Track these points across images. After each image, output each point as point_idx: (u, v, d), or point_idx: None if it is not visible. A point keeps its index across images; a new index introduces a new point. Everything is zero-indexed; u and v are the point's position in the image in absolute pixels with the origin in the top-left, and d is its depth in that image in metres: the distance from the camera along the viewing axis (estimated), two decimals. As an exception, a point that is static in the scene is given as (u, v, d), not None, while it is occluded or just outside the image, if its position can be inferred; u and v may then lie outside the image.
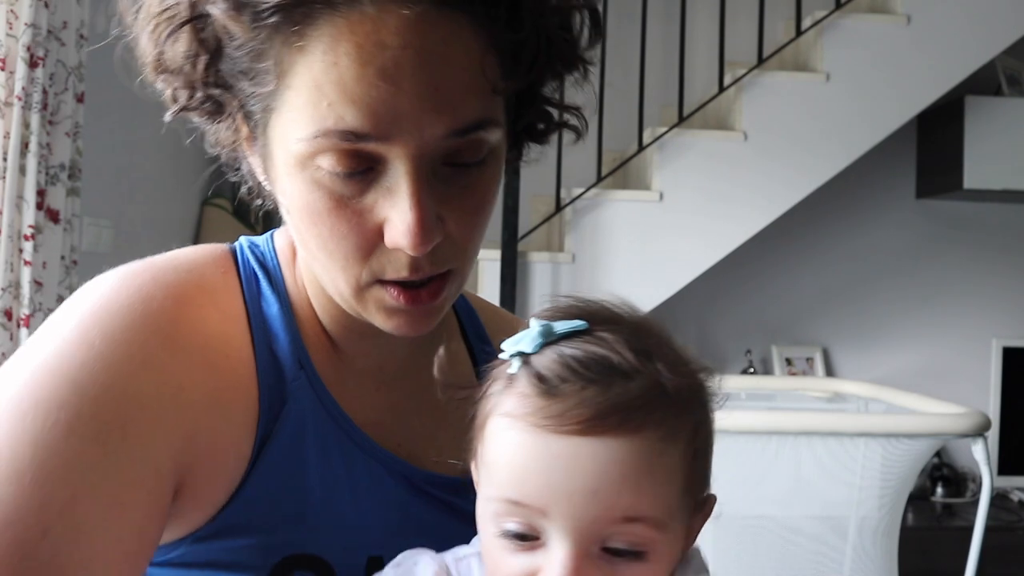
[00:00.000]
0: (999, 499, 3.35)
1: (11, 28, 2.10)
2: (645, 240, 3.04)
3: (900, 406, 2.41)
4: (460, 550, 0.64)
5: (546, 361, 0.55)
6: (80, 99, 2.26)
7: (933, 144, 3.58)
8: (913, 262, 3.68)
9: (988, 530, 2.12)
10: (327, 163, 0.60)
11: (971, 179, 3.34)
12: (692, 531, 0.60)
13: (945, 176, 3.48)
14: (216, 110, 0.66)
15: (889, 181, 3.67)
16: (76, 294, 0.66)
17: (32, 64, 2.11)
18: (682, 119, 3.10)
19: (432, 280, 0.64)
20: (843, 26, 3.13)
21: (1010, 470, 3.38)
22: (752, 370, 3.49)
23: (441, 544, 0.69)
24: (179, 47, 0.63)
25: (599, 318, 0.58)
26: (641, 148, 3.15)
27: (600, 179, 3.08)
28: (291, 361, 0.69)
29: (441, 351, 0.66)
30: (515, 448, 0.55)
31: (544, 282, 3.01)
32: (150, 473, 0.60)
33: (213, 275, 0.70)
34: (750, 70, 3.10)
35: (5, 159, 2.10)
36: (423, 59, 0.58)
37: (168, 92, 0.67)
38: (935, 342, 3.67)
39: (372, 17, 0.58)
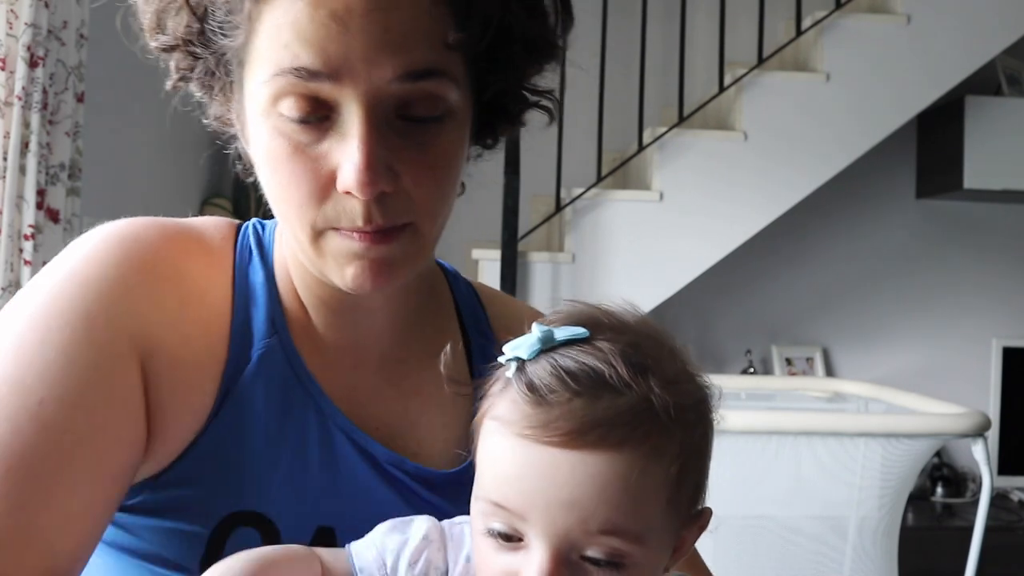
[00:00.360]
0: (999, 499, 3.35)
1: (11, 28, 2.10)
2: (645, 240, 3.04)
3: (900, 406, 2.41)
4: (456, 518, 0.65)
5: (538, 370, 0.56)
6: (80, 99, 2.26)
7: (933, 144, 3.58)
8: (913, 262, 3.68)
9: (988, 530, 2.12)
10: (286, 108, 0.63)
11: (971, 179, 3.34)
12: (685, 543, 0.60)
13: (945, 176, 3.48)
14: (208, 79, 0.70)
15: (889, 181, 3.66)
16: (82, 238, 0.71)
17: (32, 64, 2.11)
18: (682, 119, 3.10)
19: (388, 231, 0.66)
20: (843, 26, 3.13)
21: (1010, 470, 3.38)
22: (752, 370, 3.49)
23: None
24: (176, 16, 0.67)
25: (603, 326, 0.58)
26: (641, 148, 3.15)
27: (600, 179, 3.08)
28: (265, 326, 0.72)
29: (448, 348, 0.68)
30: (500, 453, 0.56)
31: (544, 282, 3.01)
32: (114, 378, 0.65)
33: (212, 235, 0.75)
34: (750, 70, 3.10)
35: (5, 159, 2.10)
36: (373, 3, 0.61)
37: (171, 64, 0.71)
38: (935, 342, 3.67)
39: None
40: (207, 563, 0.64)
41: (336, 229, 0.65)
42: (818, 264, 3.64)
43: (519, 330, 0.63)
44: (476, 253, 3.04)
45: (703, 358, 3.58)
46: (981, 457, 2.04)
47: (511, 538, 0.55)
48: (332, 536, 0.69)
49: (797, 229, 3.46)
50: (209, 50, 0.67)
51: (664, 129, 3.09)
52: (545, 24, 0.71)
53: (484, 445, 0.58)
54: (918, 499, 3.28)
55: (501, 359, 0.59)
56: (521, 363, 0.57)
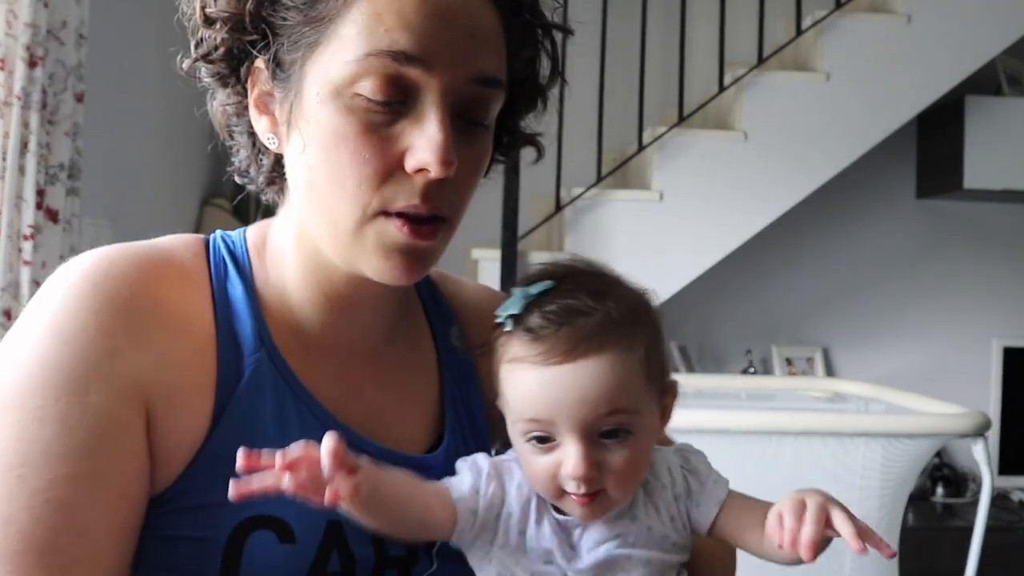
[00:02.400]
0: (999, 499, 3.35)
1: (10, 28, 2.10)
2: (645, 240, 3.04)
3: (900, 406, 2.40)
4: (500, 457, 0.78)
5: (529, 317, 0.74)
6: (80, 99, 2.26)
7: (933, 144, 3.58)
8: (913, 262, 3.68)
9: (988, 530, 2.12)
10: (367, 88, 0.67)
11: (971, 179, 3.34)
12: (666, 409, 0.79)
13: (945, 176, 3.48)
14: (235, 60, 0.72)
15: (889, 181, 3.66)
16: (54, 281, 0.71)
17: (31, 64, 2.10)
18: (682, 119, 3.10)
19: (430, 225, 0.70)
20: (843, 26, 3.13)
21: (1010, 470, 3.38)
22: (752, 370, 3.49)
23: None
24: None
25: (560, 275, 0.77)
26: (641, 148, 3.14)
27: (600, 179, 3.08)
28: (252, 338, 0.74)
29: (454, 330, 0.85)
30: (522, 382, 0.73)
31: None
32: (115, 434, 0.66)
33: (183, 256, 0.76)
34: (750, 70, 3.10)
35: (4, 159, 2.09)
36: (470, 9, 0.69)
37: (198, 41, 0.73)
38: (935, 342, 3.67)
39: None
40: (226, 568, 0.67)
41: (386, 214, 0.69)
42: (818, 264, 3.64)
43: (474, 306, 0.89)
44: (476, 253, 3.04)
45: (703, 358, 3.58)
46: (981, 457, 2.04)
47: (547, 440, 0.72)
48: (340, 529, 0.71)
49: (797, 229, 3.46)
50: (269, 23, 0.69)
51: (664, 129, 3.09)
52: (549, 77, 0.81)
53: (508, 381, 0.75)
54: (918, 499, 3.28)
55: (497, 320, 0.75)
56: (514, 317, 0.74)
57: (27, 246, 2.12)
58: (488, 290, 0.98)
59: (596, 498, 0.73)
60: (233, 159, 0.80)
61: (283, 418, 0.73)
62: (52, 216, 2.19)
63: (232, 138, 0.79)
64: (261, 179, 0.79)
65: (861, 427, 2.08)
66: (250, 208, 3.15)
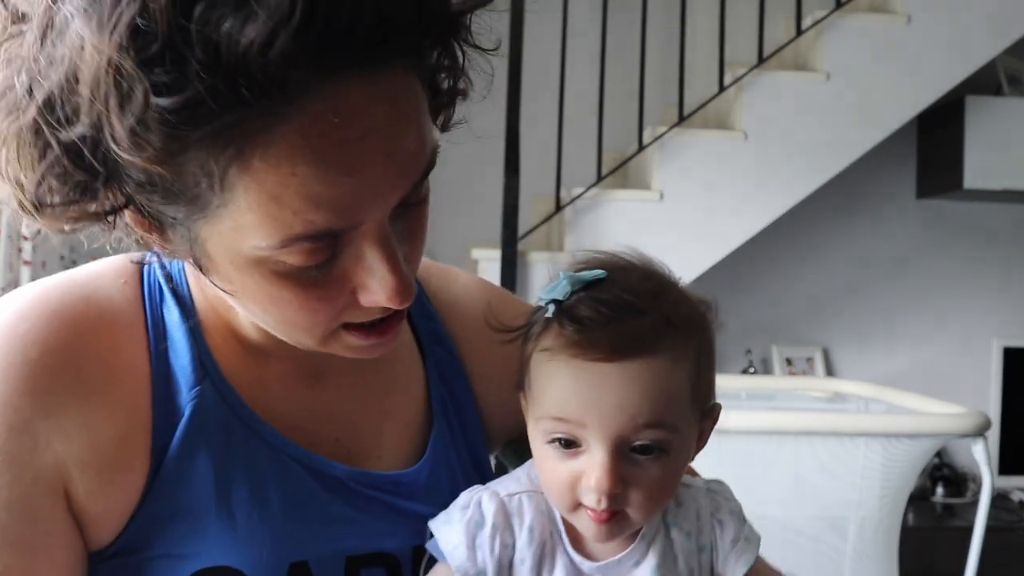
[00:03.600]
0: (999, 499, 3.34)
1: (11, 28, 2.10)
2: (645, 240, 2.98)
3: (900, 406, 2.40)
4: (509, 486, 0.71)
5: (575, 305, 0.66)
6: (80, 99, 2.26)
7: (933, 144, 3.58)
8: (913, 262, 3.68)
9: (988, 530, 2.12)
10: (294, 258, 0.58)
11: (971, 179, 3.34)
12: (704, 434, 0.72)
13: (945, 176, 3.48)
14: (96, 213, 0.60)
15: (889, 181, 3.66)
16: None
17: (32, 64, 2.10)
18: (682, 119, 3.10)
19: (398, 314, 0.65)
20: (843, 25, 3.13)
21: (1010, 470, 3.38)
22: (752, 370, 3.49)
23: (367, 540, 0.69)
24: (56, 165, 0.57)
25: (614, 266, 0.70)
26: (641, 148, 3.14)
27: (600, 179, 3.08)
28: (191, 370, 0.67)
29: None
30: (556, 375, 0.66)
31: (544, 282, 2.99)
32: (27, 527, 0.61)
33: (110, 288, 0.68)
34: (750, 70, 3.10)
35: (5, 159, 2.09)
36: (381, 139, 0.56)
37: (26, 191, 0.59)
38: (935, 342, 3.67)
39: (319, 112, 0.53)
40: None
41: (347, 327, 0.64)
42: (818, 264, 3.64)
43: (465, 304, 0.81)
44: (476, 253, 3.04)
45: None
46: (981, 457, 2.04)
47: (572, 445, 0.66)
48: (306, 569, 0.66)
49: (797, 229, 3.46)
50: (113, 173, 0.56)
51: (664, 129, 3.09)
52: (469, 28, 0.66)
53: (539, 373, 0.68)
54: (918, 499, 3.28)
55: (539, 302, 0.69)
56: (558, 304, 0.67)
57: (27, 246, 2.12)
58: (480, 283, 0.90)
59: (614, 518, 0.66)
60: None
61: (231, 457, 0.66)
62: (52, 216, 2.19)
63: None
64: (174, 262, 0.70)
65: (861, 427, 2.08)
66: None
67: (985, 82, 3.39)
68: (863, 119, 3.10)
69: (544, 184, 3.12)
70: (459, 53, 0.63)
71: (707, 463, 0.82)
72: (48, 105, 0.53)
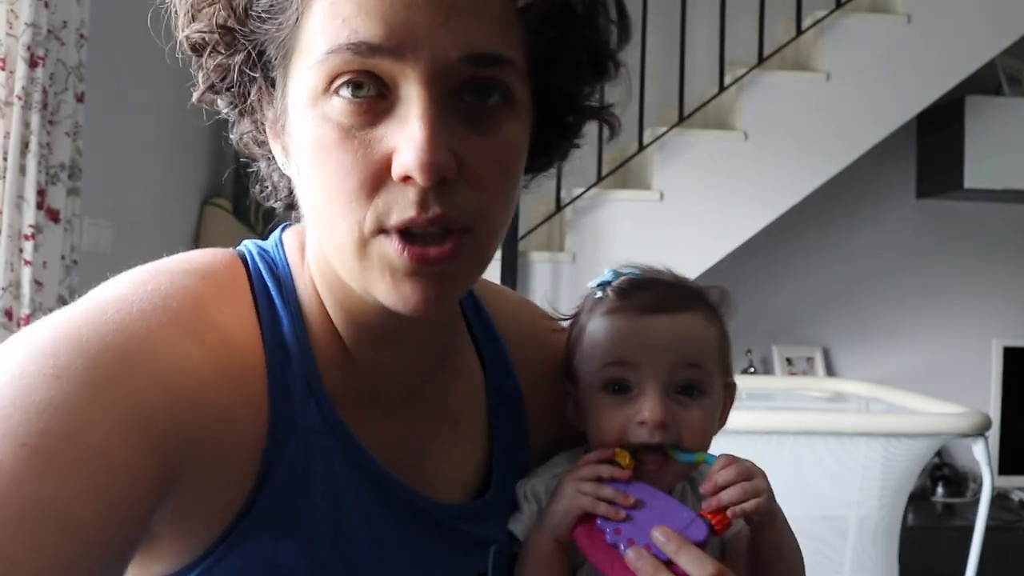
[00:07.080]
0: (1000, 499, 3.35)
1: (11, 27, 2.10)
2: (645, 240, 3.04)
3: (900, 406, 2.41)
4: (553, 471, 0.78)
5: (621, 282, 0.81)
6: (80, 99, 2.26)
7: (933, 144, 3.58)
8: (913, 262, 3.68)
9: (988, 530, 2.12)
10: (337, 88, 0.58)
11: (971, 179, 3.34)
12: (725, 409, 0.82)
13: (945, 176, 3.48)
14: (241, 85, 0.64)
15: (889, 181, 3.66)
16: (87, 296, 0.61)
17: (32, 64, 2.11)
18: (682, 119, 3.10)
19: (443, 239, 0.59)
20: (843, 25, 3.13)
21: (1011, 470, 3.38)
22: (752, 370, 3.49)
23: (450, 571, 0.71)
24: (208, 14, 0.63)
25: (648, 270, 0.83)
26: (641, 148, 3.15)
27: (600, 179, 3.08)
28: (301, 384, 0.64)
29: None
30: (614, 328, 0.78)
31: (544, 282, 3.01)
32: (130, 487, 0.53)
33: (227, 282, 0.66)
34: (750, 70, 3.10)
35: (5, 159, 2.10)
36: None
37: (200, 70, 0.66)
38: (935, 342, 3.67)
39: None
40: None
41: (385, 232, 0.58)
42: (818, 264, 3.64)
43: (520, 323, 0.85)
44: (476, 253, 3.03)
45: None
46: (982, 457, 2.04)
47: (625, 390, 0.77)
48: None
49: (797, 228, 3.46)
50: (250, 40, 0.61)
51: (664, 129, 3.09)
52: (606, 36, 0.67)
53: (596, 332, 0.79)
54: (918, 499, 3.28)
55: (591, 286, 0.82)
56: (606, 285, 0.81)
57: (28, 246, 2.12)
58: (528, 307, 0.89)
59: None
60: (259, 185, 0.74)
61: (334, 483, 0.64)
62: (53, 216, 2.19)
63: (256, 165, 0.73)
64: (279, 205, 0.72)
65: (861, 427, 2.08)
66: (250, 208, 3.15)
67: (985, 82, 3.39)
68: (863, 119, 3.10)
69: (544, 184, 3.12)
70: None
71: (707, 463, 0.83)
72: None
